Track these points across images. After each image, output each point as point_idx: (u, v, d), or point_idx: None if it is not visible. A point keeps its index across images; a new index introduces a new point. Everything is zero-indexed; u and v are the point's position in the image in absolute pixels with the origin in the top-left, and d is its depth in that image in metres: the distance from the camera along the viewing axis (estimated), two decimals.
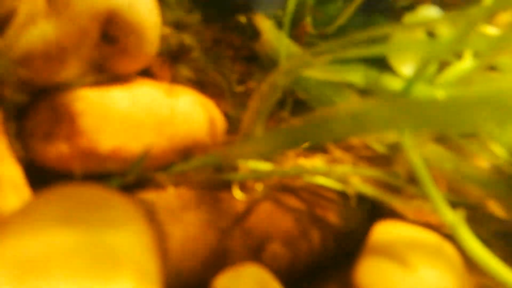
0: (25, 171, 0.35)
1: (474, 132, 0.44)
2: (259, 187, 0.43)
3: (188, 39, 0.51)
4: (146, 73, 0.48)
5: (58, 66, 0.38)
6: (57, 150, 0.38)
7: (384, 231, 0.40)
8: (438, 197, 0.36)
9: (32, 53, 0.36)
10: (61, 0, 0.37)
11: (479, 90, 0.34)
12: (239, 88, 0.53)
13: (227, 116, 0.51)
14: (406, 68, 0.44)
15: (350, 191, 0.42)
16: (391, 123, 0.33)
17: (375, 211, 0.44)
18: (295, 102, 0.53)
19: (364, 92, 0.46)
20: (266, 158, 0.45)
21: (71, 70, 0.39)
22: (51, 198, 0.25)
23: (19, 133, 0.38)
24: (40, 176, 0.37)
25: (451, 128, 0.41)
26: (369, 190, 0.42)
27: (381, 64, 0.46)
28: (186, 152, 0.44)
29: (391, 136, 0.43)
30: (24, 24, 0.37)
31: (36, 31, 0.37)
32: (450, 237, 0.35)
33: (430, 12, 0.50)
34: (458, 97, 0.30)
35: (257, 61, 0.55)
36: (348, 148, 0.45)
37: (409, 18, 0.53)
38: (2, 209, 0.28)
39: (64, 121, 0.39)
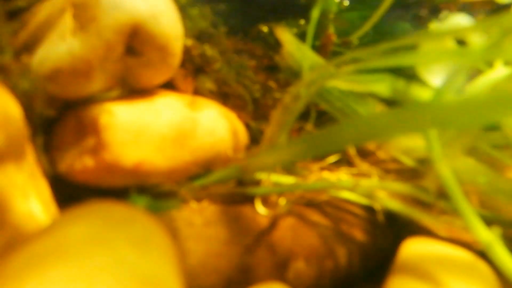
0: (52, 185, 0.36)
1: (507, 143, 0.43)
2: (282, 201, 0.42)
3: (210, 50, 0.51)
4: (169, 85, 0.49)
5: (84, 81, 0.38)
6: (82, 164, 0.39)
7: (414, 248, 0.38)
8: (470, 213, 0.35)
9: (60, 69, 0.37)
10: (87, 15, 0.38)
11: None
12: (262, 100, 0.53)
13: (249, 128, 0.51)
14: (435, 78, 0.43)
15: (377, 206, 0.41)
16: (413, 126, 0.32)
17: (404, 227, 0.43)
18: (319, 114, 0.52)
19: (391, 103, 0.46)
20: (289, 170, 0.45)
21: (96, 84, 0.40)
22: (77, 216, 0.25)
23: (46, 147, 0.39)
24: (66, 190, 0.38)
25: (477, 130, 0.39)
26: (397, 205, 0.41)
27: (408, 74, 0.45)
28: (209, 165, 0.44)
29: (419, 149, 0.42)
30: (53, 40, 0.38)
31: (64, 47, 0.38)
32: (484, 255, 0.34)
33: (459, 20, 0.49)
34: (481, 95, 0.29)
35: (279, 72, 0.55)
36: (374, 162, 0.44)
37: (437, 25, 0.52)
38: (30, 226, 0.28)
39: (89, 135, 0.39)
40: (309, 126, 0.50)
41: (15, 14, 0.41)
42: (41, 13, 0.40)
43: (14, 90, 0.35)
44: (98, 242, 0.23)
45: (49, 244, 0.23)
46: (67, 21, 0.39)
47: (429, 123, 0.30)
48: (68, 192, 0.38)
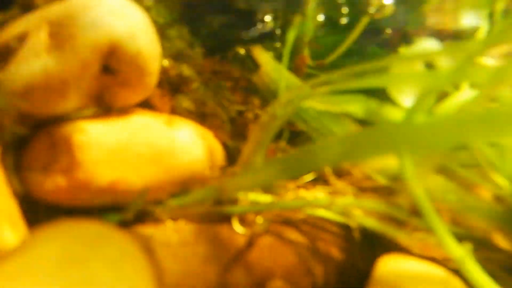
0: (22, 204, 0.35)
1: (475, 163, 0.45)
2: (259, 220, 0.42)
3: (187, 70, 0.52)
4: (146, 104, 0.49)
5: (58, 99, 0.38)
6: (54, 183, 0.38)
7: (389, 266, 0.39)
8: (443, 230, 0.36)
9: (33, 86, 0.37)
10: (63, 33, 0.38)
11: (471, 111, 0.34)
12: (239, 119, 0.54)
13: (226, 147, 0.51)
14: (405, 99, 0.45)
15: (352, 224, 0.42)
16: (386, 147, 0.33)
17: (379, 245, 0.43)
18: (292, 133, 0.53)
19: (365, 122, 0.47)
20: (266, 189, 0.45)
21: (70, 102, 0.39)
22: (48, 235, 0.25)
23: (17, 165, 0.39)
24: (37, 210, 0.37)
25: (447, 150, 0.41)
26: (372, 222, 0.41)
27: (380, 95, 0.47)
28: (185, 184, 0.44)
29: (393, 167, 0.44)
30: (27, 57, 0.38)
31: (38, 63, 0.37)
32: (456, 271, 0.35)
33: (428, 44, 0.52)
34: (451, 116, 0.30)
35: (256, 93, 0.56)
36: (350, 180, 0.45)
37: (406, 50, 0.55)
38: None
39: (62, 154, 0.39)
40: (283, 145, 0.50)
41: None
42: (15, 29, 0.40)
43: None
44: (71, 262, 0.23)
45: (20, 265, 0.22)
46: (42, 39, 0.39)
47: (402, 144, 0.32)
48: (40, 213, 0.37)
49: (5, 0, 0.43)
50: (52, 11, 0.40)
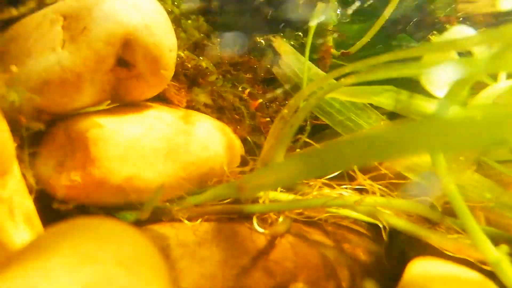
0: (37, 201, 0.35)
1: None
2: (281, 219, 0.42)
3: (205, 62, 0.52)
4: (162, 98, 0.49)
5: (73, 93, 0.38)
6: (69, 180, 0.39)
7: (420, 269, 0.38)
8: (477, 231, 0.35)
9: (48, 81, 0.37)
10: (77, 26, 0.39)
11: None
12: (258, 113, 0.53)
13: (246, 142, 0.51)
14: (438, 89, 0.44)
15: (380, 224, 0.41)
16: (420, 145, 0.32)
17: (409, 247, 0.42)
18: (315, 126, 0.52)
19: (393, 115, 0.46)
20: (288, 187, 0.45)
21: (86, 97, 0.40)
22: (63, 232, 0.25)
23: (32, 161, 0.39)
24: (52, 206, 0.38)
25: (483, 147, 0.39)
26: (401, 223, 0.40)
27: (411, 86, 0.46)
28: (203, 181, 0.44)
29: (424, 164, 0.42)
30: (41, 51, 0.38)
31: (53, 58, 0.38)
32: (492, 274, 0.34)
33: (461, 31, 0.50)
34: (487, 110, 0.29)
35: (276, 84, 0.56)
36: (378, 177, 0.44)
37: (438, 37, 0.53)
38: (13, 243, 0.28)
39: (77, 150, 0.39)
40: (303, 139, 0.49)
41: (5, 25, 0.41)
42: (31, 24, 0.41)
43: (1, 102, 0.35)
44: (85, 260, 0.23)
45: (33, 262, 0.22)
46: (57, 32, 0.39)
47: (435, 141, 0.30)
48: (55, 209, 0.38)
49: None
50: (66, 4, 0.40)
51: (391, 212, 0.41)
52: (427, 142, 0.30)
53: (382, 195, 0.41)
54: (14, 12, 0.39)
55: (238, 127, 0.51)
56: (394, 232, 0.41)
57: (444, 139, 0.30)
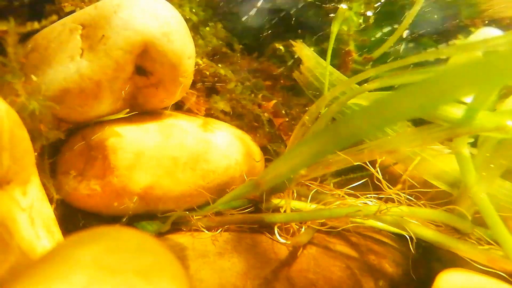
0: (57, 209, 0.36)
1: None
2: (303, 229, 0.41)
3: (223, 69, 0.52)
4: (181, 106, 0.49)
5: (92, 102, 0.39)
6: (89, 188, 0.39)
7: (449, 281, 0.37)
8: (510, 242, 0.34)
9: (68, 89, 0.38)
10: (96, 34, 0.40)
11: None
12: (280, 120, 0.53)
13: (266, 150, 0.51)
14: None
15: (407, 234, 0.40)
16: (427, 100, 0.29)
17: (437, 258, 0.41)
18: None
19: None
20: (307, 192, 0.44)
21: (105, 105, 0.40)
22: (83, 242, 0.25)
23: (52, 170, 0.40)
24: (72, 215, 0.38)
25: None
26: (429, 233, 0.40)
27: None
28: (222, 190, 0.44)
29: (452, 172, 0.42)
30: (61, 61, 0.40)
31: (72, 67, 0.39)
32: None
33: (488, 33, 0.49)
34: None
35: (297, 91, 0.56)
36: (404, 186, 0.43)
37: (464, 40, 0.52)
38: (34, 251, 0.28)
39: (96, 159, 0.40)
40: None
41: (27, 37, 0.42)
42: (51, 34, 0.42)
43: (22, 111, 0.36)
44: (105, 270, 0.23)
45: (54, 270, 0.23)
46: (76, 41, 0.40)
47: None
48: (75, 218, 0.39)
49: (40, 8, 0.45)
50: (85, 13, 0.42)
51: (418, 222, 0.40)
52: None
53: (408, 205, 0.41)
54: (36, 25, 0.40)
55: (258, 135, 0.51)
56: (421, 243, 0.40)
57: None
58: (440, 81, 0.26)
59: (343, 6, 0.48)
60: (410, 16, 0.56)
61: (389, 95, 0.27)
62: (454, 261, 0.40)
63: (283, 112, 0.53)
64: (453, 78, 0.26)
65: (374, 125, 0.30)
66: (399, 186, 0.41)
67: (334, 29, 0.46)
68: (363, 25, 0.60)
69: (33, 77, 0.39)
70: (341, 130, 0.30)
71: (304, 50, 0.50)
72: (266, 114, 0.52)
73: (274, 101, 0.51)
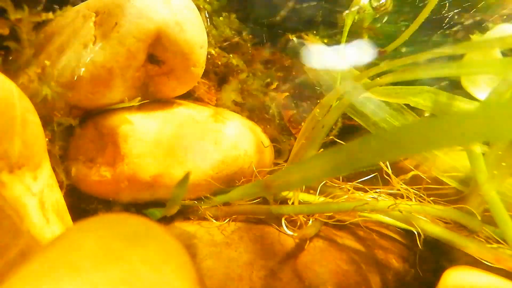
0: (67, 195, 0.37)
1: None
2: (310, 222, 0.41)
3: (235, 60, 0.52)
4: (192, 95, 0.49)
5: (104, 89, 0.39)
6: (99, 175, 0.40)
7: (456, 278, 0.37)
8: None
9: (80, 77, 0.39)
10: (109, 22, 0.40)
11: None
12: (289, 112, 0.53)
13: (276, 142, 0.51)
14: (481, 90, 0.42)
15: (415, 230, 0.40)
16: (451, 138, 0.30)
17: (445, 255, 0.41)
18: (348, 127, 0.52)
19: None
20: (316, 184, 0.44)
21: (116, 93, 0.41)
22: (91, 228, 0.26)
23: (63, 156, 0.40)
24: (81, 200, 0.39)
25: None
26: (437, 230, 0.39)
27: (451, 86, 0.45)
28: (232, 180, 0.44)
29: (463, 169, 0.41)
30: (74, 48, 0.40)
31: (85, 54, 0.39)
32: None
33: (506, 29, 0.48)
34: None
35: (308, 83, 0.55)
36: (413, 182, 0.43)
37: (480, 37, 0.51)
38: (43, 235, 0.29)
39: (107, 146, 0.40)
40: (331, 138, 0.49)
41: (42, 24, 0.43)
42: (65, 20, 0.42)
43: (34, 97, 0.37)
44: (111, 256, 0.23)
45: (62, 255, 0.23)
46: (89, 29, 0.40)
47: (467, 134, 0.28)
48: (84, 204, 0.39)
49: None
50: (99, 0, 0.42)
51: (427, 218, 0.40)
52: (458, 135, 0.28)
53: (417, 201, 0.40)
54: (50, 16, 0.40)
55: (268, 126, 0.51)
56: (429, 239, 0.40)
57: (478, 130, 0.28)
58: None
59: None
60: (426, 10, 0.55)
61: (412, 124, 0.27)
62: (462, 259, 0.40)
63: (293, 104, 0.53)
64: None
65: (392, 152, 0.30)
66: (406, 178, 0.40)
67: (348, 21, 0.45)
68: (379, 18, 0.59)
69: (47, 62, 0.39)
70: (358, 152, 0.30)
71: (316, 43, 0.50)
72: (275, 106, 0.52)
73: (286, 94, 0.51)
